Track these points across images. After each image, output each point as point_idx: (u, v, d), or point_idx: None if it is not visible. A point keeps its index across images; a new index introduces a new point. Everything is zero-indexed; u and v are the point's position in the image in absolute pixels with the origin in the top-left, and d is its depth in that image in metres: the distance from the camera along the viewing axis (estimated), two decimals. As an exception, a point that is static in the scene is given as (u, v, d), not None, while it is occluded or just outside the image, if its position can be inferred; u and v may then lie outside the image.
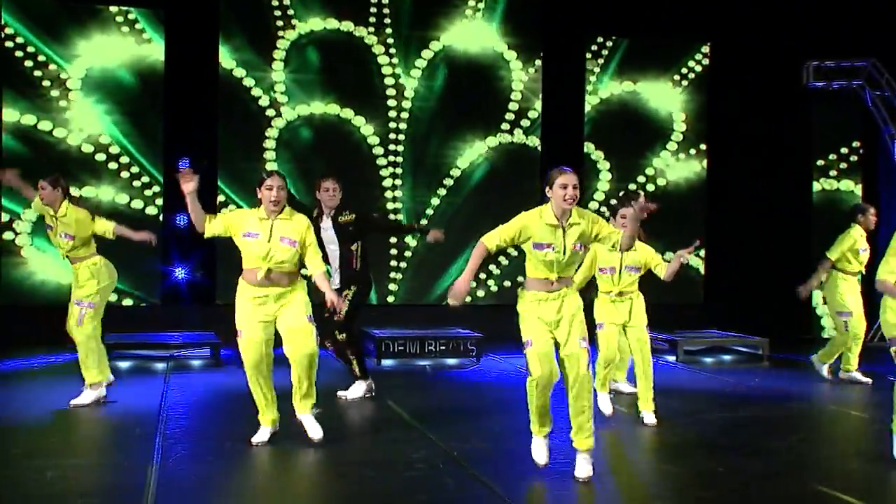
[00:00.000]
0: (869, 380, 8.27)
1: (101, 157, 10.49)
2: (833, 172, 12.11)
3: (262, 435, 5.60)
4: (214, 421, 6.54)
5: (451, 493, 4.72)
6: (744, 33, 12.07)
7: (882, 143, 11.81)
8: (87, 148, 10.45)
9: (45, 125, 10.33)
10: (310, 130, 11.18)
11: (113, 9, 10.53)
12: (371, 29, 11.33)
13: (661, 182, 12.33)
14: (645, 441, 6.09)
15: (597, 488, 4.84)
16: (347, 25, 11.27)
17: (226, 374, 8.45)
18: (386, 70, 11.40)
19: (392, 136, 11.44)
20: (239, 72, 10.91)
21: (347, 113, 11.26)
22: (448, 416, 6.76)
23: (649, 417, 6.35)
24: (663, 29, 12.15)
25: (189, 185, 5.36)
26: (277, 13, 11.01)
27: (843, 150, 12.19)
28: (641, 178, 12.29)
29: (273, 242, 5.42)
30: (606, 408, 6.48)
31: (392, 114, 11.44)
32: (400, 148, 11.47)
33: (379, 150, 11.38)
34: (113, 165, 10.56)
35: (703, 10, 12.04)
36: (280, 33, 11.03)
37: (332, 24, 11.22)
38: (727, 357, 10.34)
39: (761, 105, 12.07)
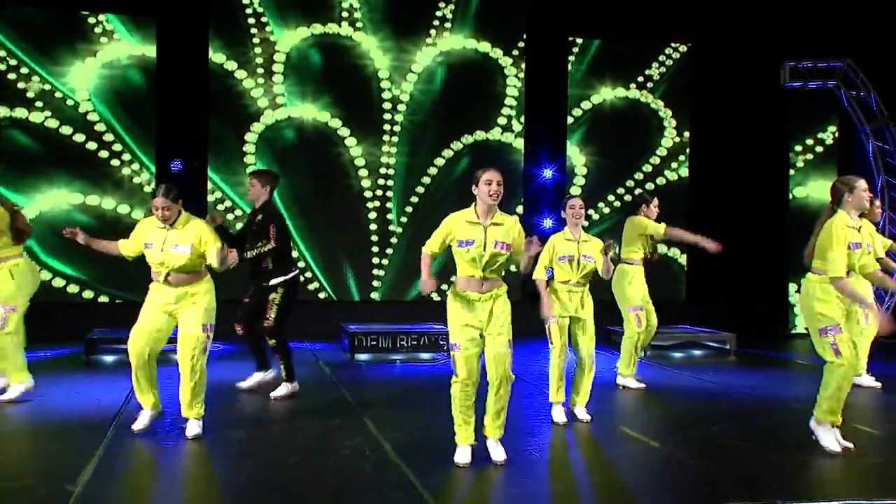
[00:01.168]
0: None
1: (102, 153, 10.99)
2: (800, 164, 12.32)
3: (141, 419, 5.94)
4: (168, 409, 6.91)
5: (365, 478, 5.03)
6: (722, 35, 12.27)
7: (858, 141, 11.97)
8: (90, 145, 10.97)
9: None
10: (293, 132, 11.56)
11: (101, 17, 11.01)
12: (357, 33, 11.70)
13: (646, 184, 12.58)
14: (560, 434, 6.36)
15: (509, 480, 5.12)
16: (332, 28, 11.66)
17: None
18: (371, 71, 11.78)
19: (371, 137, 11.81)
20: (229, 65, 11.39)
21: (324, 115, 11.64)
22: (395, 406, 7.10)
23: (582, 413, 6.52)
24: (643, 30, 12.38)
25: (80, 238, 5.92)
26: (259, 20, 11.43)
27: (819, 149, 12.38)
28: (628, 181, 12.56)
29: (166, 251, 5.76)
30: (560, 417, 6.48)
31: (375, 117, 11.80)
32: (383, 149, 11.83)
33: (357, 151, 11.74)
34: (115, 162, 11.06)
35: (682, 11, 12.25)
36: (260, 39, 11.44)
37: (318, 28, 11.62)
38: (697, 352, 10.58)
39: (741, 106, 12.27)
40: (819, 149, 12.53)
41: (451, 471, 5.19)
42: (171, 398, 6.24)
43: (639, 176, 12.62)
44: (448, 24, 11.97)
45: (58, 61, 10.88)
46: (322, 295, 11.69)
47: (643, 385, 8.07)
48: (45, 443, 5.87)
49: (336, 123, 11.67)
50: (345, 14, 11.68)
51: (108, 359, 9.36)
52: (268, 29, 11.47)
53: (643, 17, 12.23)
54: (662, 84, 12.63)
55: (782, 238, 12.07)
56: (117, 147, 11.08)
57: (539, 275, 6.47)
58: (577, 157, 12.49)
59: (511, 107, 12.20)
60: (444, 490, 4.83)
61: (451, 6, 11.96)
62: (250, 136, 11.44)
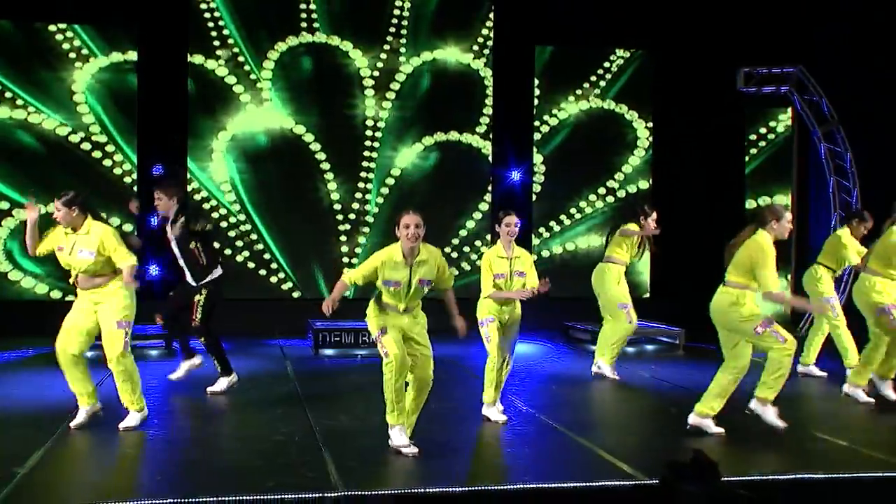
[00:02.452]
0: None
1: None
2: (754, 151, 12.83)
3: (78, 416, 6.34)
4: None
5: (287, 460, 5.55)
6: (681, 41, 12.72)
7: (812, 144, 12.42)
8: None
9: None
10: (265, 137, 12.14)
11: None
12: (332, 38, 12.26)
13: (611, 185, 13.08)
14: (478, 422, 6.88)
15: (426, 462, 5.63)
16: (306, 36, 12.23)
17: (174, 362, 9.36)
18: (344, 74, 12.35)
19: (334, 138, 12.35)
20: (209, 65, 11.96)
21: (287, 121, 12.22)
22: (337, 398, 7.66)
23: (496, 413, 6.76)
24: (601, 37, 12.86)
25: (32, 216, 6.28)
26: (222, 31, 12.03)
27: (772, 150, 12.91)
28: (598, 188, 13.08)
29: (73, 255, 6.22)
30: (498, 417, 6.76)
31: (342, 117, 12.36)
32: (342, 149, 12.36)
33: (322, 156, 12.29)
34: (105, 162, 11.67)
35: (643, 18, 12.71)
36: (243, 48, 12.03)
37: (302, 38, 12.19)
38: (650, 347, 11.07)
39: (700, 111, 12.72)
40: (772, 148, 12.99)
41: (364, 454, 5.72)
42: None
43: (611, 184, 13.09)
44: (422, 32, 12.51)
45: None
46: (296, 294, 12.24)
47: (617, 377, 8.55)
48: (5, 431, 6.44)
49: (300, 129, 12.19)
50: (316, 24, 12.21)
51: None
52: (241, 38, 12.01)
53: (604, 23, 12.68)
54: (626, 90, 13.09)
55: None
56: (109, 148, 11.70)
57: (487, 291, 6.72)
58: (541, 161, 12.99)
59: (484, 112, 12.71)
60: (351, 470, 5.33)
61: (407, 14, 12.47)
62: (223, 136, 12.01)
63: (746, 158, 12.99)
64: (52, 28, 11.50)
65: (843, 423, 6.92)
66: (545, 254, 12.96)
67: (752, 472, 5.35)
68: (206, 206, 11.90)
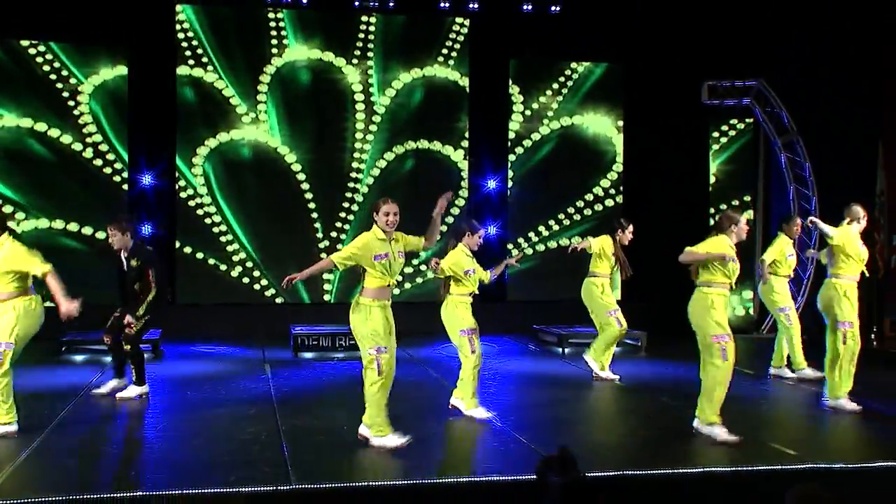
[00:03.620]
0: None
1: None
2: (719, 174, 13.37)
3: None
4: (109, 402, 8.04)
5: (249, 457, 6.09)
6: (649, 56, 13.27)
7: (773, 154, 12.97)
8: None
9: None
10: (249, 150, 12.70)
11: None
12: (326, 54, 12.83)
13: (584, 195, 13.64)
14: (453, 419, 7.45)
15: (369, 455, 6.21)
16: (303, 52, 12.80)
17: (159, 365, 9.96)
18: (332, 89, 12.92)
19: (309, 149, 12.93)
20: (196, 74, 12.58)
21: (265, 133, 12.79)
22: (306, 399, 8.21)
23: (481, 412, 7.33)
24: (576, 51, 13.41)
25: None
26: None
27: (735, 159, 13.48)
28: (571, 197, 13.66)
29: None
30: (481, 414, 7.28)
31: (323, 129, 12.94)
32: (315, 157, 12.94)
33: (297, 167, 12.86)
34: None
35: (613, 33, 13.26)
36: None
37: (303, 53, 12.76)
38: (615, 349, 11.58)
39: (666, 121, 13.27)
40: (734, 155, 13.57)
41: (320, 449, 6.29)
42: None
43: (579, 203, 13.66)
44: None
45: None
46: (279, 300, 12.81)
47: (617, 377, 9.18)
48: None
49: (277, 141, 12.79)
50: (289, 39, 12.78)
51: (78, 357, 10.53)
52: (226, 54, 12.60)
53: (576, 38, 13.22)
54: (596, 101, 13.63)
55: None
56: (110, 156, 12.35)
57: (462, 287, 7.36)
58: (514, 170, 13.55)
59: (460, 123, 13.28)
60: (307, 465, 5.88)
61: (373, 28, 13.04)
62: (201, 151, 12.59)
63: (711, 167, 13.53)
64: (36, 48, 12.13)
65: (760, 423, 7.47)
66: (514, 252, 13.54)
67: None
68: (199, 212, 12.50)
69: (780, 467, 5.93)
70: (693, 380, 6.99)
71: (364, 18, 12.94)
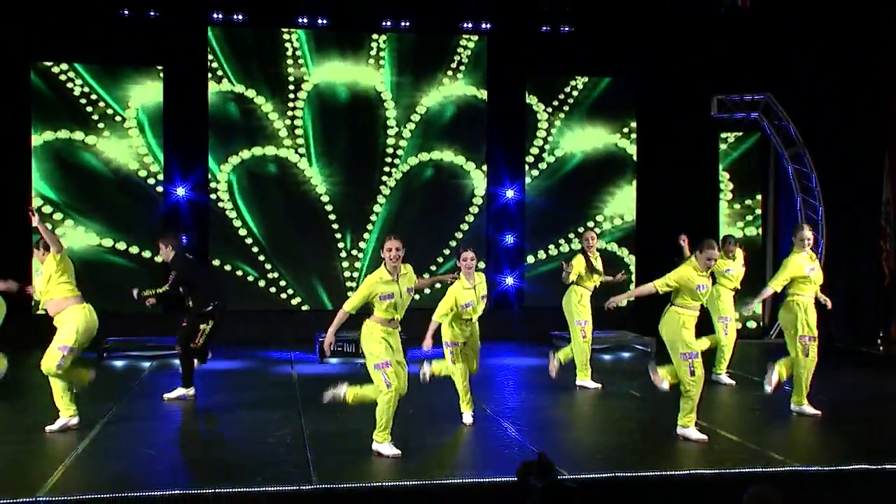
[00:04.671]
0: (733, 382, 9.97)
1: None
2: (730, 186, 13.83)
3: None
4: (149, 405, 8.71)
5: (275, 459, 6.71)
6: (660, 71, 13.72)
7: (780, 166, 13.42)
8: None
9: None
10: (275, 165, 13.41)
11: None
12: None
13: (599, 205, 14.18)
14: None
15: (388, 463, 6.79)
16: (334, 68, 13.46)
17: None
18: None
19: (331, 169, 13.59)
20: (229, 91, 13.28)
21: (288, 149, 13.45)
22: (330, 404, 8.78)
23: (468, 417, 7.97)
24: (588, 66, 13.92)
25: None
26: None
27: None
28: (590, 208, 14.18)
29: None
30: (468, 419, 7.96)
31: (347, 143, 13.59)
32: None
33: (318, 180, 13.52)
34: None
35: (628, 50, 13.75)
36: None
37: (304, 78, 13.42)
38: (626, 354, 12.13)
39: (677, 136, 13.73)
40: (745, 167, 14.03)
41: (342, 452, 6.89)
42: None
43: (595, 212, 14.19)
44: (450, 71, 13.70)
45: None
46: (305, 308, 13.46)
47: (599, 385, 9.66)
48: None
49: (296, 157, 13.45)
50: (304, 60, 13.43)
51: (119, 363, 11.24)
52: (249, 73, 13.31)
53: (589, 54, 13.72)
54: (612, 117, 14.14)
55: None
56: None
57: (438, 318, 7.81)
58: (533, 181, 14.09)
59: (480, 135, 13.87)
60: (328, 468, 6.48)
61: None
62: (225, 167, 13.30)
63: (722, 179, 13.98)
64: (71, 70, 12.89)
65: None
66: (530, 259, 14.10)
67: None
68: (237, 223, 13.25)
69: (761, 469, 6.44)
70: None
71: (384, 37, 13.54)
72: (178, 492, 5.85)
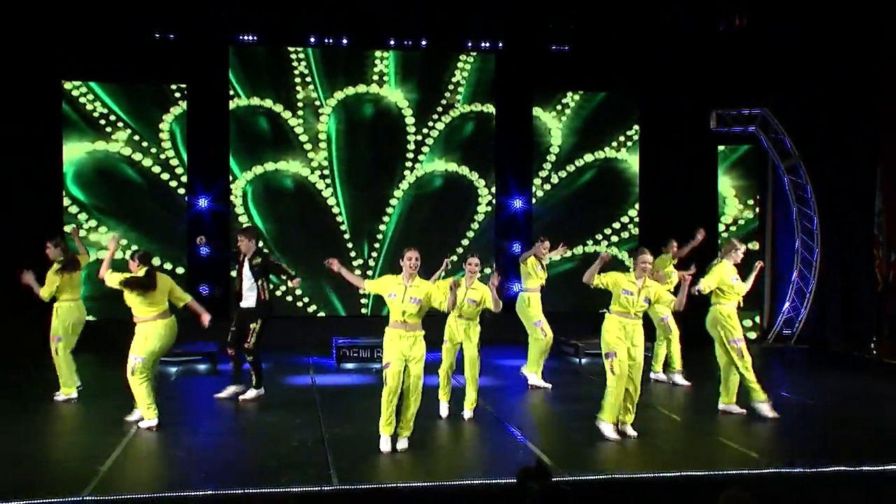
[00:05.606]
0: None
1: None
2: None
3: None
4: (177, 409, 9.31)
5: (297, 460, 7.26)
6: (662, 87, 14.25)
7: (777, 177, 13.93)
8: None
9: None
10: (291, 179, 14.01)
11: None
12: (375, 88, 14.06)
13: (603, 215, 14.73)
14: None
15: (404, 459, 7.36)
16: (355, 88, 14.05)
17: (215, 380, 11.09)
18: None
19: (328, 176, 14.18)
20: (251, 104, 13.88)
21: (305, 169, 14.03)
22: (349, 407, 9.37)
23: (469, 414, 8.78)
24: (592, 82, 14.45)
25: (113, 247, 8.35)
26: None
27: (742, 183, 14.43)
28: (594, 218, 14.75)
29: None
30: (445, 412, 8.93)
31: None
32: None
33: (329, 192, 14.12)
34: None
35: (634, 66, 14.28)
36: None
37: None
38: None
39: (677, 149, 14.26)
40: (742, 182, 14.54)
41: (360, 455, 7.45)
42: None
43: (599, 222, 14.79)
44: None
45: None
46: (321, 314, 14.06)
47: (549, 385, 10.29)
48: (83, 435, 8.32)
49: (307, 171, 14.11)
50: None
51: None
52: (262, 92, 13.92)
53: (593, 70, 14.26)
54: (615, 130, 14.68)
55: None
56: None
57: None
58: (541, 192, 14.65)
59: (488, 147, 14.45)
60: (347, 468, 7.04)
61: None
62: (242, 178, 13.94)
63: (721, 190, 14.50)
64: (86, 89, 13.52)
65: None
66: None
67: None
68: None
69: (746, 471, 6.98)
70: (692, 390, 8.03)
71: (393, 55, 14.16)
72: (210, 492, 6.42)
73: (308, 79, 13.99)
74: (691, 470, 6.97)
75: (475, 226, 14.48)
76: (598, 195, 14.74)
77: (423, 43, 14.08)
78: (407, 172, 14.29)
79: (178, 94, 13.77)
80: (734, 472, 6.95)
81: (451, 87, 14.33)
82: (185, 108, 13.79)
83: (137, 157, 13.75)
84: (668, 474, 6.91)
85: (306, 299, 14.06)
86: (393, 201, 14.31)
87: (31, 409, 9.16)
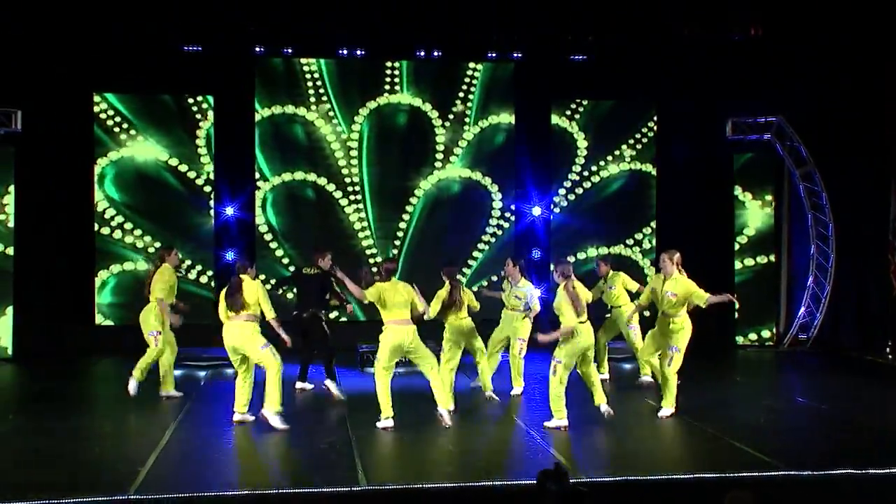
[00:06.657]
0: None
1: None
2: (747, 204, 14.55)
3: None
4: (209, 412, 9.65)
5: (326, 461, 7.59)
6: (679, 96, 14.49)
7: (792, 184, 14.16)
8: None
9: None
10: (311, 189, 14.38)
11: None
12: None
13: (621, 223, 15.01)
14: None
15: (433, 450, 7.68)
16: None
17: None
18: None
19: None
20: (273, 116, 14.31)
21: (315, 176, 14.41)
22: (372, 410, 9.65)
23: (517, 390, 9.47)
24: (610, 92, 14.72)
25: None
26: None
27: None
28: (613, 226, 14.99)
29: None
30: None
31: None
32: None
33: (351, 210, 14.49)
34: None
35: (647, 77, 14.53)
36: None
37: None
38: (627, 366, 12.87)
39: (694, 158, 14.50)
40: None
41: (385, 456, 7.79)
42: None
43: (617, 230, 15.03)
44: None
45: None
46: (343, 320, 14.41)
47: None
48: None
49: (323, 180, 14.52)
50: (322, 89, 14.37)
51: (177, 372, 12.16)
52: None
53: (612, 81, 14.52)
54: (632, 138, 14.94)
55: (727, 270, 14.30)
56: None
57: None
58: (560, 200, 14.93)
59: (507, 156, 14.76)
60: (374, 468, 7.38)
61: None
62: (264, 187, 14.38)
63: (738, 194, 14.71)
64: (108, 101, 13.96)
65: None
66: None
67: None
68: (274, 245, 14.19)
69: (757, 474, 7.23)
70: (692, 396, 8.31)
71: (413, 65, 14.53)
72: (246, 492, 6.76)
73: (322, 90, 14.39)
74: (702, 472, 7.24)
75: (497, 233, 14.77)
76: (614, 202, 14.97)
77: (437, 53, 14.42)
78: (424, 181, 14.62)
79: (204, 105, 14.15)
80: (746, 474, 7.21)
81: (472, 96, 14.64)
82: (208, 118, 14.19)
83: (174, 162, 14.23)
84: (682, 476, 7.19)
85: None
86: (409, 207, 14.65)
87: (75, 410, 9.61)
